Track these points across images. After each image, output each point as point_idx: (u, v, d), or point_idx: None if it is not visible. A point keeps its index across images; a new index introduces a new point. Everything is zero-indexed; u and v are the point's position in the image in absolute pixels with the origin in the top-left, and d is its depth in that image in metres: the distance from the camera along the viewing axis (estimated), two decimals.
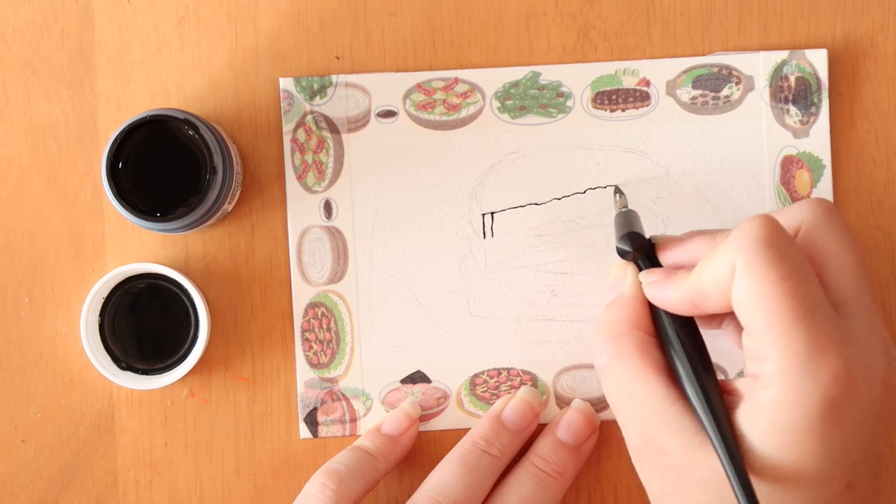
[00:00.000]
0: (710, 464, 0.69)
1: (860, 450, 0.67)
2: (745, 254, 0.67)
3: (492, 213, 0.88)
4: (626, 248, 0.77)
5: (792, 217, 0.73)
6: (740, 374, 0.87)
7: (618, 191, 0.86)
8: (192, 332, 0.86)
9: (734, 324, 0.77)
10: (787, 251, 0.67)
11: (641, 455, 0.73)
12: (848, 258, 0.71)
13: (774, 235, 0.67)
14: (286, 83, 0.87)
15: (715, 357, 0.87)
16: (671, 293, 0.73)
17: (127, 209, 0.79)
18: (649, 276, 0.75)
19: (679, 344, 0.73)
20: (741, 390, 0.69)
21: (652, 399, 0.72)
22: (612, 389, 0.75)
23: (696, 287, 0.70)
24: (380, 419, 0.87)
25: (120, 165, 0.80)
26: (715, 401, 0.69)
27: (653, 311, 0.76)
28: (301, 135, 0.87)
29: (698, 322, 0.75)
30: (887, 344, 0.69)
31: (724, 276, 0.68)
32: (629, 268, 0.78)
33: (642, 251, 0.77)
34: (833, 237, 0.71)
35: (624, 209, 0.82)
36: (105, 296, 0.86)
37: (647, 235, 0.79)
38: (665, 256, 0.77)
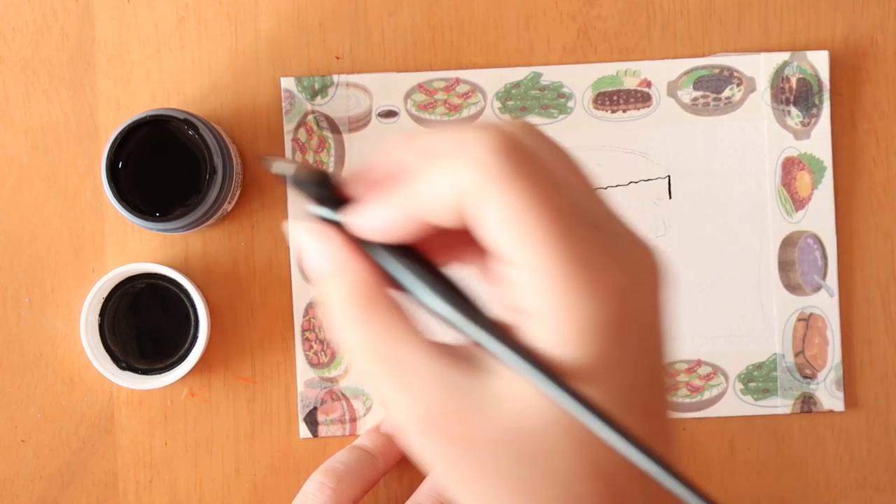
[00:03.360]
0: (494, 418, 0.57)
1: (651, 370, 0.58)
2: (488, 171, 0.55)
3: None
4: (306, 181, 0.58)
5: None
6: (746, 376, 0.88)
7: (266, 160, 0.61)
8: (192, 332, 0.86)
9: (471, 252, 0.63)
10: (533, 164, 0.56)
11: (421, 428, 0.60)
12: (566, 166, 0.59)
13: (516, 147, 0.55)
14: (287, 83, 0.87)
15: (713, 358, 0.87)
16: (383, 212, 0.58)
17: (127, 209, 0.79)
18: (348, 211, 0.59)
19: (427, 277, 0.59)
20: (509, 326, 0.57)
21: (424, 362, 0.59)
22: (373, 362, 0.60)
23: (415, 200, 0.57)
24: (380, 419, 0.87)
25: (120, 165, 0.80)
26: (497, 324, 0.57)
27: (377, 261, 0.60)
28: (302, 135, 0.87)
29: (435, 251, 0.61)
30: (649, 244, 0.59)
31: (454, 190, 0.55)
32: (331, 231, 0.60)
33: (326, 183, 0.59)
34: (550, 154, 0.58)
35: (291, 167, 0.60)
36: (105, 296, 0.86)
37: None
38: (360, 185, 0.61)
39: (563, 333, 0.55)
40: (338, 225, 0.59)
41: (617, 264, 0.55)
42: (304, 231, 0.60)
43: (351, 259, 0.60)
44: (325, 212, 0.59)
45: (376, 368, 0.60)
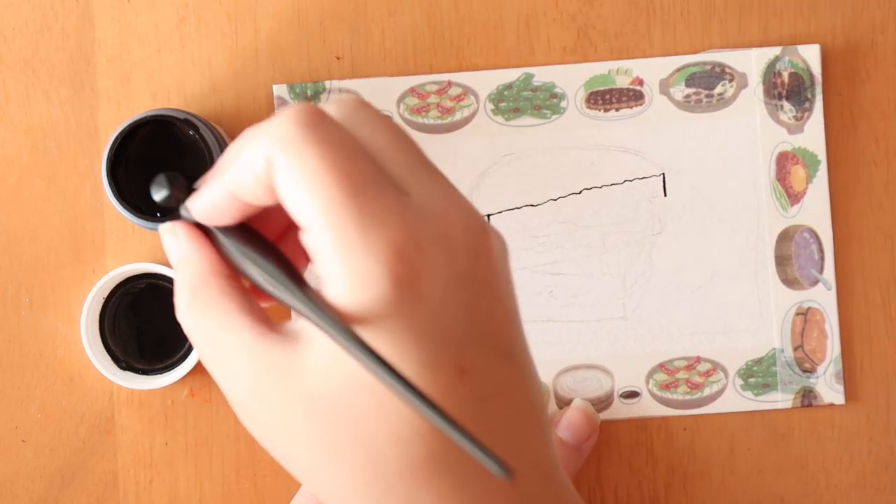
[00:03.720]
0: (303, 388, 0.59)
1: (463, 326, 0.58)
2: (282, 141, 0.58)
3: (488, 216, 0.88)
4: (164, 190, 0.64)
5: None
6: (760, 367, 0.87)
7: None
8: None
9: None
10: (330, 131, 0.58)
11: (245, 407, 0.62)
12: (383, 136, 0.61)
13: (314, 116, 0.58)
14: (279, 90, 0.87)
15: (713, 355, 0.87)
16: (209, 190, 0.62)
17: (127, 209, 0.80)
18: (191, 200, 0.64)
19: (245, 249, 0.63)
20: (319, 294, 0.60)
21: (239, 342, 0.62)
22: (203, 348, 0.64)
23: (229, 177, 0.61)
24: None
25: (120, 165, 0.80)
26: (308, 291, 0.59)
27: (224, 256, 0.65)
28: None
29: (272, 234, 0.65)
30: (465, 210, 0.60)
31: (257, 164, 0.58)
32: (177, 226, 0.65)
33: (184, 189, 0.64)
34: (364, 125, 0.61)
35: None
36: (105, 296, 0.86)
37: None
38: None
39: (348, 292, 0.56)
40: (196, 224, 0.64)
41: (408, 224, 0.57)
42: (162, 229, 0.65)
43: (190, 250, 0.64)
44: (184, 211, 0.64)
45: (204, 354, 0.63)
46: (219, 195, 0.61)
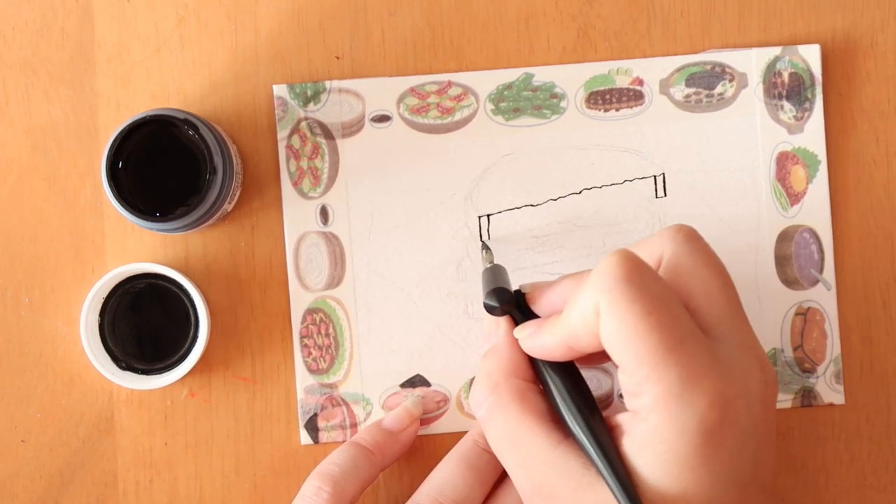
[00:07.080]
0: (601, 501, 0.68)
1: (748, 471, 0.67)
2: (607, 293, 0.66)
3: (488, 216, 0.88)
4: (494, 303, 0.77)
5: (653, 247, 0.72)
6: None
7: (485, 247, 0.86)
8: (192, 332, 0.86)
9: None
10: (648, 285, 0.66)
11: (533, 501, 0.72)
12: (714, 282, 0.70)
13: (634, 270, 0.67)
14: (280, 90, 0.87)
15: None
16: (545, 340, 0.73)
17: (127, 209, 0.79)
18: (523, 331, 0.75)
19: (559, 386, 0.73)
20: (623, 425, 0.69)
21: (535, 445, 0.71)
22: (496, 440, 0.74)
23: (566, 331, 0.70)
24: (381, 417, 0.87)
25: (120, 165, 0.80)
26: (602, 437, 0.69)
27: (531, 357, 0.75)
28: (296, 141, 0.87)
29: (580, 363, 0.75)
30: (763, 363, 0.69)
31: (590, 318, 0.67)
32: (503, 321, 0.77)
33: (510, 305, 0.77)
34: (697, 263, 0.71)
35: (490, 265, 0.82)
36: (105, 296, 0.86)
37: (519, 286, 0.79)
38: (538, 306, 0.77)
39: (659, 437, 0.66)
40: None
41: (721, 376, 0.66)
42: (491, 319, 0.78)
43: (504, 347, 0.76)
44: (511, 309, 0.77)
45: (495, 443, 0.74)
46: (554, 347, 0.72)
